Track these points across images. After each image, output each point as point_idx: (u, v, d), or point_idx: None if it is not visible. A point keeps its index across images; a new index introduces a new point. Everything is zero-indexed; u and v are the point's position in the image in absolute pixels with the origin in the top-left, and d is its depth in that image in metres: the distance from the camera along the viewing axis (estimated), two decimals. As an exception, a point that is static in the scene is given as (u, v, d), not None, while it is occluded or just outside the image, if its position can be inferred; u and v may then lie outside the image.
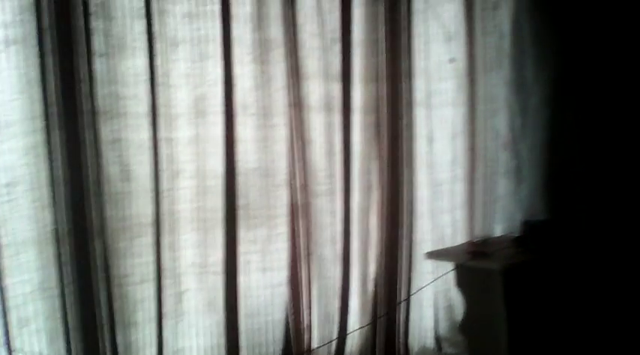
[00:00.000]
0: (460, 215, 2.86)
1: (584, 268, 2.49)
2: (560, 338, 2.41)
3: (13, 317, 1.81)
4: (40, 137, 1.82)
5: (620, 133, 3.05)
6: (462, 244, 2.68)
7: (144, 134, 1.98)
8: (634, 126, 3.05)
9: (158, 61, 1.98)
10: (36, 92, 1.81)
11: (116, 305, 1.96)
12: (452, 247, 2.68)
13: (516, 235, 2.47)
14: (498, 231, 2.89)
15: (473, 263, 2.33)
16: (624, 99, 3.07)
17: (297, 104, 2.30)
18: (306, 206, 2.39)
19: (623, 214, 3.01)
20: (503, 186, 2.94)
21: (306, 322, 2.43)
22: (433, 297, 2.76)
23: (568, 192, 2.96)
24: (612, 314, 2.72)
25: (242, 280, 2.21)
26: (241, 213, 2.20)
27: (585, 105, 2.97)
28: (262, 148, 2.21)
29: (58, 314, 1.88)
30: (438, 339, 2.79)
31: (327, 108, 2.38)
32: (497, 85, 2.90)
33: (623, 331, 2.81)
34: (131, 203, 1.97)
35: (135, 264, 2.00)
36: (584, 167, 2.97)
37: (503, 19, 2.85)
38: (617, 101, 3.05)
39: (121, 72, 1.92)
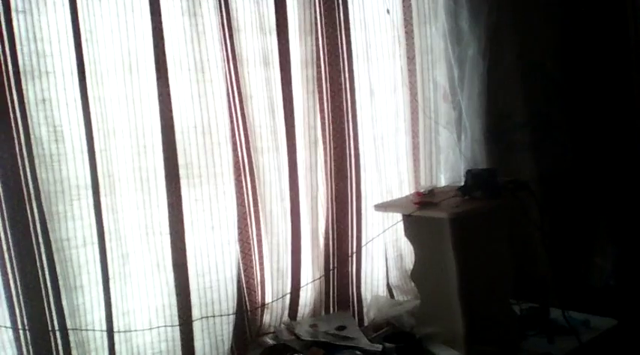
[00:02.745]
0: (405, 167, 2.89)
1: (527, 212, 2.55)
2: (508, 280, 2.46)
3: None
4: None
5: (557, 81, 3.15)
6: (409, 195, 2.71)
7: (72, 93, 1.91)
8: (569, 73, 3.15)
9: (81, 16, 1.91)
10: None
11: (59, 269, 1.91)
12: (399, 198, 2.71)
13: (460, 184, 2.48)
14: (443, 181, 2.94)
15: (420, 212, 2.35)
16: (559, 47, 3.15)
17: (233, 58, 2.27)
18: (251, 163, 2.37)
19: (562, 158, 3.11)
20: (445, 137, 2.98)
21: (258, 278, 2.44)
22: (383, 248, 2.79)
23: (508, 141, 3.04)
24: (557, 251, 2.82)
25: (190, 239, 2.18)
26: (183, 172, 2.16)
27: (522, 55, 3.04)
28: (200, 105, 2.16)
29: (-1, 281, 1.83)
30: (389, 288, 2.83)
31: (265, 62, 2.35)
32: (434, 37, 2.93)
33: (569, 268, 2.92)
34: (66, 165, 1.92)
35: (76, 227, 1.95)
36: (524, 116, 3.05)
37: (437, -31, 2.87)
38: (552, 49, 3.13)
39: (43, 29, 1.84)
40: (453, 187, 2.59)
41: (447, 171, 2.96)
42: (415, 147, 2.92)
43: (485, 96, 2.93)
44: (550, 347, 2.34)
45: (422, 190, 2.63)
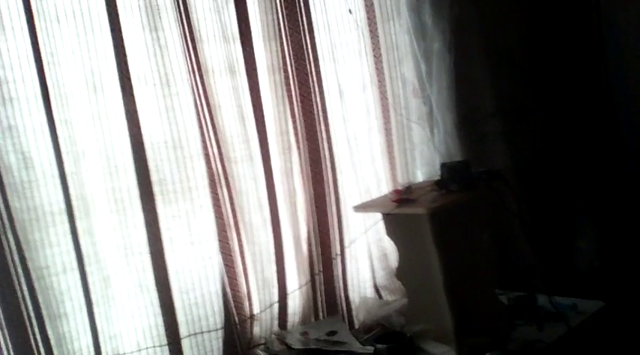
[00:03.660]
0: (381, 165, 2.88)
1: (503, 201, 2.57)
2: (492, 270, 2.46)
3: None
4: None
5: (525, 69, 3.17)
6: (387, 193, 2.70)
7: (38, 117, 1.87)
8: (536, 60, 3.18)
9: (41, 39, 1.87)
10: None
11: (41, 297, 1.87)
12: (378, 198, 2.70)
13: (437, 178, 2.48)
14: (420, 176, 2.94)
15: (399, 210, 2.34)
16: (525, 35, 3.18)
17: (198, 69, 2.24)
18: (226, 174, 2.34)
19: (535, 145, 3.14)
20: (418, 132, 2.98)
21: (244, 289, 2.41)
22: (367, 248, 2.78)
23: (481, 132, 3.06)
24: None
25: (170, 257, 2.15)
26: (157, 189, 2.13)
27: (488, 45, 3.06)
28: (168, 119, 2.14)
29: (-19, 315, 1.78)
30: (377, 288, 2.82)
31: (231, 71, 2.33)
32: (399, 33, 2.94)
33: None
34: (38, 191, 1.88)
35: (54, 254, 1.91)
36: (494, 107, 3.07)
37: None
38: (518, 37, 3.16)
39: (3, 54, 1.81)
40: (429, 182, 2.59)
41: (423, 167, 2.95)
42: (389, 144, 2.91)
43: (454, 89, 2.94)
44: (540, 334, 2.34)
45: (399, 187, 2.63)
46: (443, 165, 2.47)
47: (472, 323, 2.28)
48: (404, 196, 2.44)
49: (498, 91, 3.05)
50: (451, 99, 2.94)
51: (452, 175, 2.39)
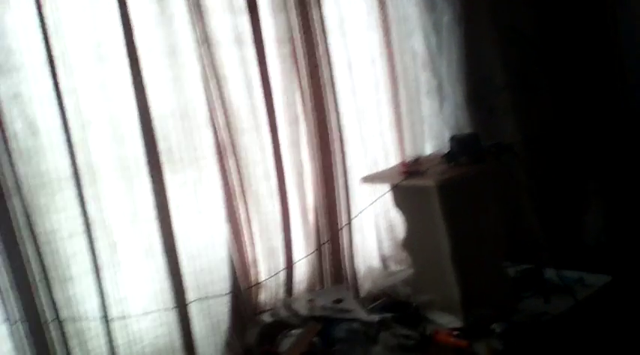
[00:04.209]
0: (389, 138, 2.89)
1: (512, 174, 2.57)
2: (499, 242, 2.46)
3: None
4: None
5: (535, 42, 3.14)
6: (395, 166, 2.71)
7: (45, 86, 1.90)
8: (547, 33, 3.14)
9: (47, 10, 1.89)
10: None
11: (48, 261, 1.92)
12: (385, 170, 2.72)
13: (446, 151, 2.49)
14: (428, 149, 2.94)
15: (407, 182, 2.35)
16: (535, 7, 3.14)
17: (205, 40, 2.26)
18: (233, 144, 2.37)
19: (544, 119, 3.12)
20: (427, 105, 2.98)
21: (250, 257, 2.45)
22: (374, 219, 2.79)
23: (490, 106, 3.04)
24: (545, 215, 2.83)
25: (177, 224, 2.19)
26: (164, 158, 2.16)
27: (498, 19, 3.03)
28: (175, 89, 2.16)
29: (-12, 277, 1.83)
30: (383, 259, 2.84)
31: (238, 42, 2.35)
32: (408, 6, 2.92)
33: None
34: (44, 158, 1.91)
35: (60, 219, 1.95)
36: (504, 80, 3.05)
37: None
38: (528, 9, 3.13)
39: (9, 24, 1.83)
40: (438, 155, 2.60)
41: (431, 140, 2.96)
42: (398, 117, 2.91)
43: (464, 62, 2.93)
44: (546, 306, 2.35)
45: (408, 160, 2.64)
46: (452, 138, 2.47)
47: (478, 294, 2.29)
48: (412, 168, 2.45)
49: (508, 65, 3.03)
50: (461, 72, 2.94)
51: (461, 148, 2.40)
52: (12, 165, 1.85)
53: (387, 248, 2.84)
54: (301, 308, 2.43)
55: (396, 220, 2.81)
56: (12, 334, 1.88)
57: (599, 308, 2.42)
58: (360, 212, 2.66)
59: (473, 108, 2.95)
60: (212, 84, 2.30)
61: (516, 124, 3.02)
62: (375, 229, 2.80)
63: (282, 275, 2.51)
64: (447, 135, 2.83)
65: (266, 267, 2.46)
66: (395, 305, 2.44)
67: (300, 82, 2.56)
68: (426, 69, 2.95)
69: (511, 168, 2.47)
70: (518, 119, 3.03)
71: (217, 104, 2.32)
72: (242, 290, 2.39)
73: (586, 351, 2.26)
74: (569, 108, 3.12)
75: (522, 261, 2.66)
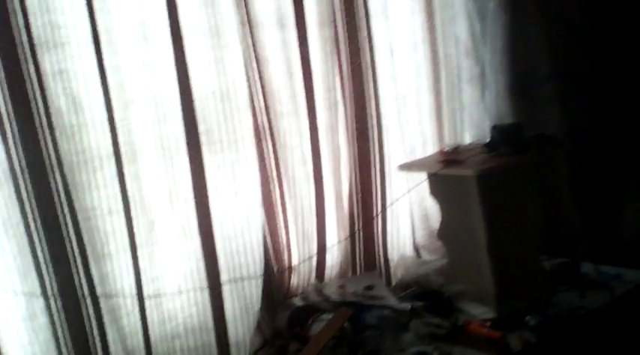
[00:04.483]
0: (428, 126, 2.85)
1: (555, 166, 2.52)
2: (538, 235, 2.42)
3: (-21, 257, 1.79)
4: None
5: (581, 32, 3.05)
6: (433, 154, 2.68)
7: (89, 63, 1.91)
8: (593, 23, 3.05)
9: (93, -15, 1.90)
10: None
11: (86, 237, 1.94)
12: (423, 158, 2.69)
13: (486, 140, 2.45)
14: (468, 138, 2.90)
15: (446, 171, 2.33)
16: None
17: (247, 21, 2.24)
18: (271, 127, 2.36)
19: (588, 111, 3.04)
20: (468, 93, 2.93)
21: (284, 241, 2.45)
22: (409, 208, 2.77)
23: (533, 95, 2.97)
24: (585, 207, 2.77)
25: (214, 205, 2.19)
26: (204, 139, 2.16)
27: (545, 7, 2.96)
28: (217, 70, 2.15)
29: (27, 251, 1.86)
30: (416, 248, 2.82)
31: (280, 24, 2.33)
32: (453, -9, 2.87)
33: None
34: (87, 135, 1.93)
35: (100, 196, 1.97)
36: (548, 69, 2.97)
37: None
38: (577, 1, 3.03)
39: (56, 0, 1.84)
40: (478, 144, 2.56)
41: (471, 129, 2.92)
42: (438, 105, 2.87)
43: (508, 50, 2.87)
44: (582, 301, 2.32)
45: (446, 148, 2.61)
46: (494, 127, 2.43)
47: (513, 286, 2.27)
48: (451, 157, 2.42)
49: (554, 54, 2.95)
50: (504, 61, 2.88)
51: (503, 138, 2.36)
52: (54, 141, 1.87)
53: (421, 237, 2.82)
54: (332, 293, 2.43)
55: (431, 209, 2.79)
56: (47, 308, 1.91)
57: (637, 305, 2.37)
58: (396, 200, 2.64)
59: (515, 97, 2.89)
60: (253, 66, 2.29)
61: (559, 115, 2.95)
62: (409, 218, 2.78)
63: (314, 260, 2.50)
64: (487, 125, 2.80)
65: (299, 251, 2.46)
66: (427, 294, 2.43)
67: (340, 66, 2.53)
68: (468, 56, 2.91)
69: (554, 159, 2.42)
70: (562, 110, 2.96)
71: (257, 87, 2.31)
72: (274, 274, 2.40)
73: (622, 347, 2.22)
74: (614, 100, 3.03)
75: (559, 254, 2.62)
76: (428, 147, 2.83)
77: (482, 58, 2.90)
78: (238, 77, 2.21)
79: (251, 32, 2.27)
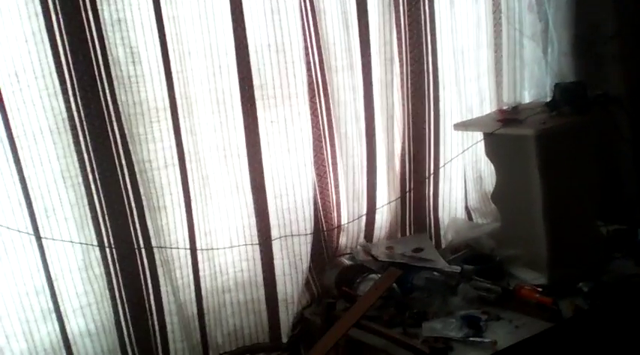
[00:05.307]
0: (487, 83, 2.75)
1: (618, 128, 2.42)
2: (595, 200, 2.34)
3: (38, 207, 1.81)
4: (39, 22, 1.73)
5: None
6: (491, 113, 2.59)
7: (147, 12, 1.88)
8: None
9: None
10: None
11: (142, 190, 1.95)
12: (480, 117, 2.60)
13: (548, 99, 2.35)
14: (527, 97, 2.80)
15: (504, 130, 2.25)
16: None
17: (305, -29, 2.17)
18: (325, 82, 2.31)
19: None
20: (530, 50, 2.82)
21: (334, 200, 2.43)
22: (462, 169, 2.71)
23: (597, 54, 2.85)
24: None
25: (267, 162, 2.18)
26: (258, 93, 2.12)
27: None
28: (273, 21, 2.09)
29: (84, 202, 1.88)
30: (468, 210, 2.77)
31: (338, -26, 2.24)
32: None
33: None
34: (144, 86, 1.91)
35: (157, 149, 1.97)
36: (614, 27, 2.83)
37: None
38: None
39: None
40: (538, 103, 2.47)
41: (531, 87, 2.81)
42: (498, 61, 2.75)
43: (573, 6, 2.74)
44: (637, 268, 2.26)
45: (505, 107, 2.52)
46: (556, 86, 2.34)
47: (567, 252, 2.21)
48: (510, 116, 2.34)
49: (620, 12, 2.80)
50: (569, 17, 2.75)
51: (565, 97, 2.27)
52: (112, 92, 1.85)
53: (474, 199, 2.77)
54: (380, 254, 2.40)
55: (486, 172, 2.72)
56: (103, 259, 1.94)
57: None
58: (449, 161, 2.58)
59: (579, 55, 2.77)
60: (309, 17, 2.22)
61: (624, 75, 2.82)
62: (462, 179, 2.71)
63: (363, 220, 2.47)
64: (548, 83, 2.71)
65: (348, 211, 2.43)
66: (477, 257, 2.38)
67: (398, 19, 2.43)
68: (532, 10, 2.77)
69: (616, 121, 2.32)
70: (627, 70, 2.82)
71: (313, 40, 2.25)
72: (324, 232, 2.38)
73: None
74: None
75: (616, 220, 2.55)
76: (485, 105, 2.73)
77: (546, 13, 2.77)
78: (294, 29, 2.14)
79: (308, -18, 2.19)
